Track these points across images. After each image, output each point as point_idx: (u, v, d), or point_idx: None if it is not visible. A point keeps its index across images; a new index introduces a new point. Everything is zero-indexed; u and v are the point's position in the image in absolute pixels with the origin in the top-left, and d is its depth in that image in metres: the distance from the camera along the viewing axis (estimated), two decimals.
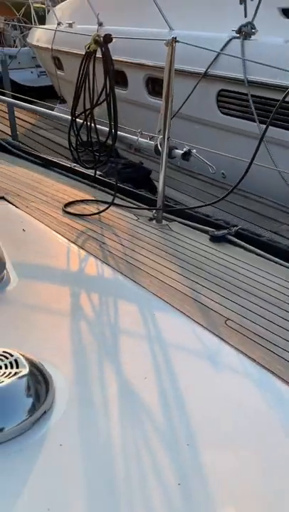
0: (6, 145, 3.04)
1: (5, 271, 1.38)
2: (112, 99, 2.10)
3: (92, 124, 2.27)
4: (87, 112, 2.24)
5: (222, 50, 4.42)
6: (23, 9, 14.99)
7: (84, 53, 2.19)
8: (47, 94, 11.69)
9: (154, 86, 5.64)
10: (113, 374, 1.03)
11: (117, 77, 5.83)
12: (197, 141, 4.97)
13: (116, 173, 2.24)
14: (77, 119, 2.34)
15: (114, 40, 5.76)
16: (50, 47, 7.90)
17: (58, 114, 2.67)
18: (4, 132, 7.12)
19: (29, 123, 8.14)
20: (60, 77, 8.18)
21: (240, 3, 4.25)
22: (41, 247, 1.73)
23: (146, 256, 1.77)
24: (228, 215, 4.01)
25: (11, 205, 2.13)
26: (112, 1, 6.45)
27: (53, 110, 9.84)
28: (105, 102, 2.10)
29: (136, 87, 5.73)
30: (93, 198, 2.32)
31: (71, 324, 1.22)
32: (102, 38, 2.07)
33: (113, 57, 5.74)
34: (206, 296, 1.51)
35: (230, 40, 4.43)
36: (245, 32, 4.34)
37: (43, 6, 10.78)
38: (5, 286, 1.35)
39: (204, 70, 4.61)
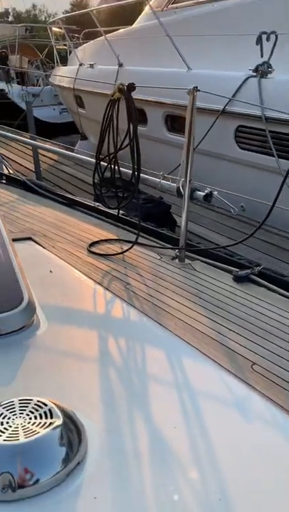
0: (32, 185, 3.16)
1: (35, 315, 1.42)
2: (135, 143, 2.18)
3: (116, 167, 2.36)
4: (111, 156, 2.33)
5: (239, 88, 4.56)
6: (46, 50, 15.80)
7: (108, 101, 2.29)
8: (68, 129, 12.13)
9: (173, 123, 5.80)
10: (143, 423, 1.04)
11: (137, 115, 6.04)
12: (216, 175, 5.09)
13: (139, 212, 2.30)
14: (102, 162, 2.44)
15: (134, 78, 5.92)
16: (72, 86, 8.24)
17: (83, 157, 2.78)
18: (28, 168, 7.37)
19: (52, 159, 8.40)
20: (82, 114, 8.48)
21: (257, 44, 4.39)
22: (68, 288, 1.77)
23: (170, 297, 1.80)
24: (249, 248, 4.03)
25: (38, 246, 2.20)
26: (132, 43, 6.73)
27: (74, 146, 10.21)
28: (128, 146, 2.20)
29: (155, 124, 5.89)
30: (116, 238, 2.38)
31: (99, 370, 1.24)
32: (125, 87, 2.17)
33: (133, 96, 5.90)
34: (232, 339, 1.52)
35: (248, 78, 4.56)
36: (262, 71, 4.47)
37: (65, 47, 11.29)
38: (35, 330, 1.38)
39: (222, 107, 4.73)
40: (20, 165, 7.79)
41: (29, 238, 2.30)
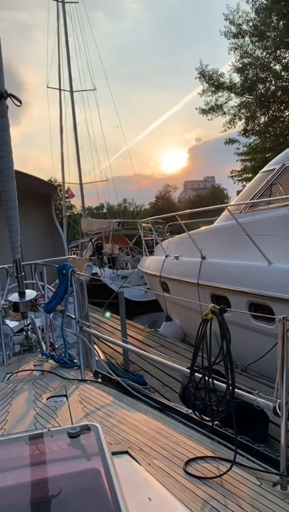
0: (126, 386, 3.32)
1: None
2: (228, 360, 2.32)
3: (210, 379, 2.46)
4: (205, 370, 2.46)
5: None
6: (135, 239, 18.01)
7: (201, 319, 2.54)
8: (152, 307, 12.92)
9: (257, 310, 5.99)
10: None
11: (220, 302, 6.39)
12: None
13: (235, 432, 2.29)
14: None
15: (217, 269, 6.35)
16: (158, 274, 9.06)
17: (178, 366, 2.94)
18: (117, 351, 7.73)
19: (137, 339, 8.81)
20: (167, 298, 9.10)
21: None
22: None
23: None
24: None
25: (135, 463, 2.23)
26: (213, 239, 7.50)
27: (158, 323, 10.66)
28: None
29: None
30: (212, 454, 2.33)
31: None
32: (218, 309, 2.41)
33: (217, 285, 6.31)
34: None
35: None
36: None
37: (152, 238, 12.80)
38: None
39: None
40: (109, 346, 8.22)
41: (126, 452, 2.34)
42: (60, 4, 26.75)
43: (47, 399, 3.19)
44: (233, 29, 23.09)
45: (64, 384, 3.50)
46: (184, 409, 2.90)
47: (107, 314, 12.79)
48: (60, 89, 26.31)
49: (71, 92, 26.72)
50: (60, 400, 3.15)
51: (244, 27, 22.92)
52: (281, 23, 21.56)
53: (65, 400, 3.16)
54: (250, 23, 22.70)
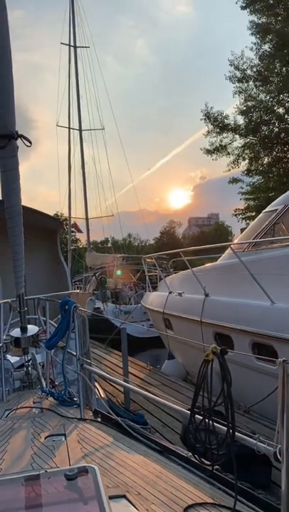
0: (126, 426, 3.26)
1: None
2: (229, 403, 2.30)
3: (210, 421, 2.43)
4: (206, 412, 2.43)
5: None
6: (138, 274, 18.04)
7: (203, 360, 2.53)
8: (154, 344, 12.78)
9: (260, 349, 5.93)
10: None
11: (223, 340, 6.33)
12: None
13: (235, 477, 2.24)
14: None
15: (220, 307, 6.36)
16: (162, 310, 9.03)
17: (179, 408, 2.91)
18: (117, 389, 7.60)
19: (139, 377, 8.69)
20: (170, 335, 9.03)
21: None
22: None
23: None
24: None
25: (133, 508, 2.17)
26: (216, 276, 7.52)
27: (160, 360, 10.53)
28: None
29: (242, 351, 6.05)
30: (212, 501, 2.27)
31: None
32: (219, 350, 2.41)
33: (221, 324, 6.27)
34: None
35: None
36: None
37: (156, 274, 12.83)
38: None
39: None
40: (110, 384, 8.09)
41: (124, 496, 2.29)
42: (71, 48, 28.02)
43: (45, 438, 3.13)
44: (238, 74, 23.99)
45: (63, 422, 3.45)
46: (184, 453, 2.85)
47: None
48: (69, 128, 27.17)
49: (80, 130, 27.57)
50: (58, 440, 3.10)
51: (248, 72, 23.82)
52: (284, 69, 22.43)
53: (64, 439, 3.10)
54: (254, 69, 23.59)
